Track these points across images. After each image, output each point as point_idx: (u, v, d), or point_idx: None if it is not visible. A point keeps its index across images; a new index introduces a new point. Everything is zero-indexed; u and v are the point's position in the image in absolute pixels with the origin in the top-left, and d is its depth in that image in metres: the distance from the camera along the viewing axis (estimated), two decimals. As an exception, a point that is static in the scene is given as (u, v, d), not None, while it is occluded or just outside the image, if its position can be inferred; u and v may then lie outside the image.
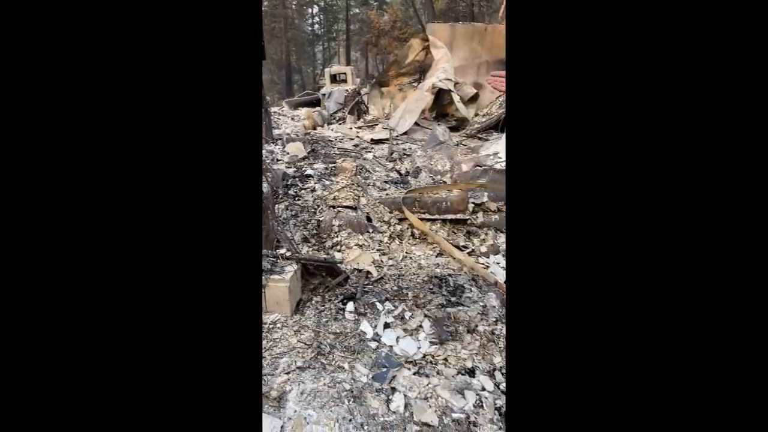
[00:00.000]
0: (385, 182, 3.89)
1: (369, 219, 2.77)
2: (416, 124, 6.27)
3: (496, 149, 3.75)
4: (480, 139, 5.28)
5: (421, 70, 7.61)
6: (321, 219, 2.64)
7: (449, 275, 2.32)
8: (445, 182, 3.66)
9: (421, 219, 2.73)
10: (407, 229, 2.76)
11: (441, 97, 6.88)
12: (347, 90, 7.51)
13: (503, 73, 6.20)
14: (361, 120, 7.00)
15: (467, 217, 2.74)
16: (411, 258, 2.52)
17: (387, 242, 2.64)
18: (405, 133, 6.03)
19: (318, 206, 2.83)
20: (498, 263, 2.44)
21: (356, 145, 5.57)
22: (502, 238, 2.68)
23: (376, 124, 6.64)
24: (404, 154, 4.73)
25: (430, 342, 1.87)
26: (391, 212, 2.81)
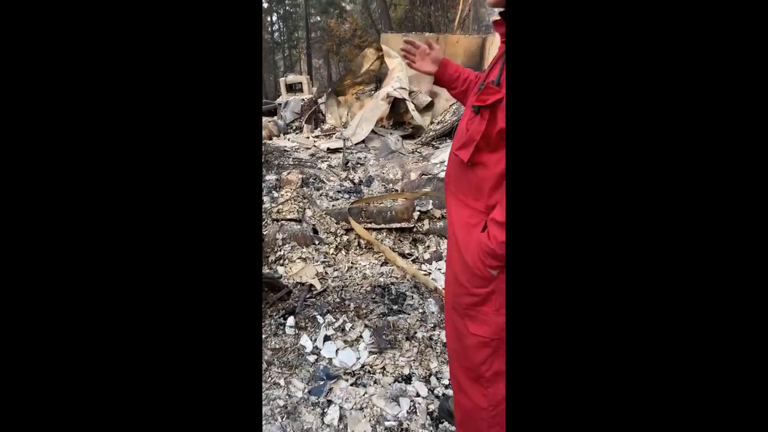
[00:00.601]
0: (338, 192, 3.91)
1: (315, 231, 2.78)
2: (373, 132, 6.35)
3: (443, 157, 3.87)
4: (434, 146, 5.42)
5: (378, 78, 7.73)
6: (264, 233, 2.62)
7: (392, 284, 2.37)
8: (396, 190, 3.73)
9: (367, 229, 2.77)
10: (354, 239, 2.79)
11: (397, 105, 7.01)
12: (303, 99, 7.49)
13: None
14: (319, 129, 7.00)
15: (412, 226, 2.80)
16: (356, 268, 2.55)
17: (333, 254, 2.66)
18: (362, 142, 6.09)
19: (262, 220, 2.81)
20: (440, 269, 2.52)
21: (313, 155, 5.56)
22: (444, 245, 2.76)
23: (334, 133, 6.66)
24: (358, 162, 4.77)
25: (370, 352, 1.90)
26: (338, 223, 2.84)
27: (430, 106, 7.10)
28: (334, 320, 2.10)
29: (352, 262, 2.61)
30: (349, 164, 4.73)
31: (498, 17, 1.00)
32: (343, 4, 18.30)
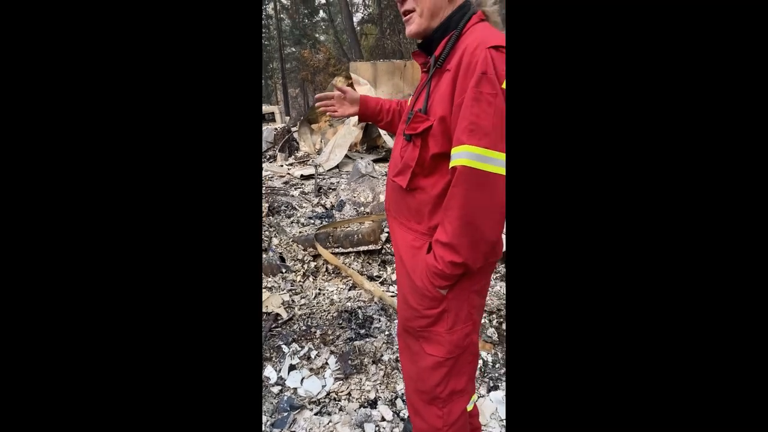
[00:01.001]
0: (310, 218, 3.93)
1: (282, 259, 2.78)
2: (347, 157, 6.44)
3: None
4: (404, 168, 5.53)
5: (350, 105, 7.88)
6: (230, 264, 2.61)
7: (359, 307, 2.37)
8: (368, 213, 3.77)
9: (335, 253, 2.79)
10: (322, 265, 2.79)
11: (370, 130, 7.17)
12: (276, 129, 7.58)
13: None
14: (293, 157, 7.06)
15: (380, 247, 2.83)
16: (324, 294, 2.55)
17: (300, 281, 2.66)
18: (336, 167, 6.16)
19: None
20: (407, 290, 2.53)
21: (286, 182, 5.59)
22: (413, 265, 2.79)
23: (307, 160, 6.73)
24: (330, 188, 4.82)
25: (335, 378, 1.88)
26: (305, 250, 2.84)
27: (401, 130, 7.27)
28: (299, 348, 2.08)
29: (319, 289, 2.60)
30: (321, 190, 4.77)
31: (417, 48, 1.07)
32: (317, 35, 18.84)
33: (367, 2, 16.71)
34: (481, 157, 0.86)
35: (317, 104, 1.36)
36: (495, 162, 0.87)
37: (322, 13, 17.73)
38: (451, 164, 0.90)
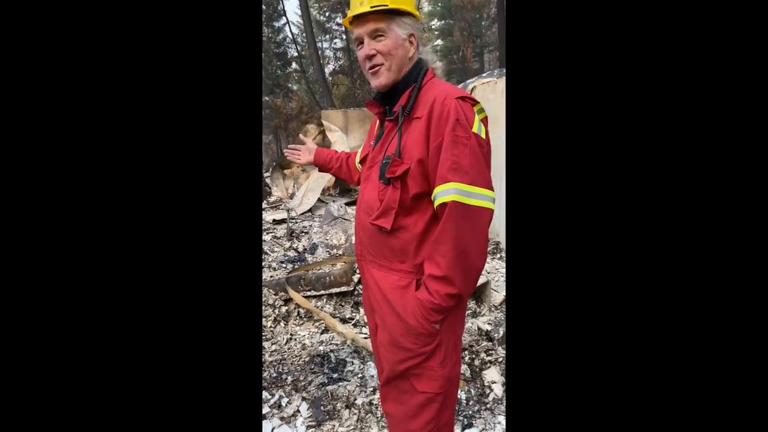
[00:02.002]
0: (282, 262, 3.90)
1: (253, 304, 2.73)
2: (320, 200, 6.52)
3: (383, 220, 4.06)
4: (376, 210, 5.65)
5: (322, 150, 8.10)
6: (198, 312, 2.54)
7: (332, 351, 2.34)
8: (340, 255, 3.79)
9: (307, 297, 2.77)
10: (294, 309, 2.76)
11: (342, 174, 7.30)
12: (249, 174, 7.62)
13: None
14: (265, 201, 7.07)
15: (352, 289, 2.84)
16: (296, 339, 2.51)
17: (271, 327, 2.61)
18: (309, 211, 6.20)
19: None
20: (380, 330, 2.53)
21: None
22: (386, 305, 2.81)
23: (280, 205, 6.75)
24: (302, 231, 4.84)
25: (307, 426, 1.82)
26: (276, 294, 2.82)
27: (373, 173, 7.49)
28: (269, 396, 2.01)
29: (291, 334, 2.56)
30: (294, 234, 4.78)
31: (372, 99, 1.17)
32: (289, 85, 19.55)
33: (338, 55, 17.69)
34: (466, 192, 0.96)
35: (285, 152, 1.54)
36: (478, 196, 0.97)
37: (294, 65, 18.54)
38: (440, 201, 0.98)
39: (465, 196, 0.96)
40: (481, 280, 2.78)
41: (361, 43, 1.07)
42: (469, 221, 0.97)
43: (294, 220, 5.48)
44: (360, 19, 1.04)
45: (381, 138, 1.16)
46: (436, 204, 1.00)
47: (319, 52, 16.16)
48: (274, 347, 2.41)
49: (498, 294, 2.78)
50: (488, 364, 2.20)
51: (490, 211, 1.00)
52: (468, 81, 4.93)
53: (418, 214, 1.05)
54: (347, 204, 6.15)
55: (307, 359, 2.28)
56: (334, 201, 5.98)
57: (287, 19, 16.86)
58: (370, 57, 1.06)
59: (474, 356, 2.25)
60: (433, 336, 1.04)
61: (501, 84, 3.80)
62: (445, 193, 0.97)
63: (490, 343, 2.36)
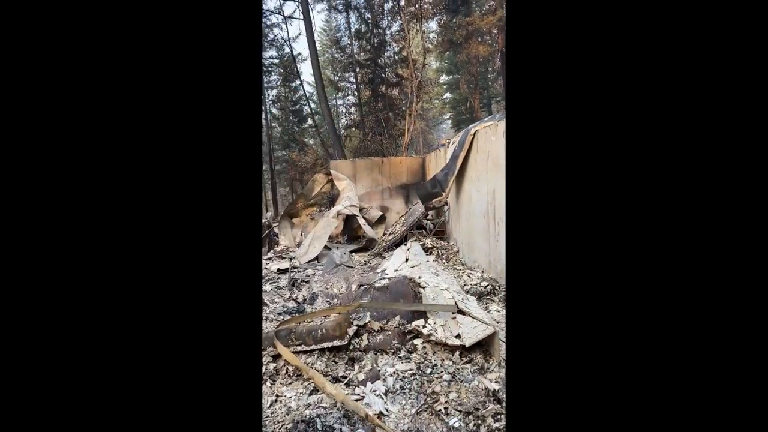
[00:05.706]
0: (280, 313, 3.70)
1: (238, 361, 2.51)
2: (326, 248, 6.41)
3: (386, 265, 3.86)
4: (382, 257, 5.47)
5: (331, 199, 8.17)
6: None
7: (318, 416, 2.07)
8: (339, 304, 3.57)
9: (297, 352, 2.54)
10: (282, 366, 2.53)
11: (350, 221, 7.29)
12: (257, 224, 7.66)
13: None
14: (272, 251, 7.01)
15: (347, 343, 2.60)
16: (281, 401, 2.25)
17: (255, 386, 2.36)
18: (315, 259, 6.08)
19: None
20: (374, 391, 2.26)
21: (262, 277, 5.42)
22: (384, 361, 2.55)
23: (287, 255, 6.67)
24: (303, 280, 4.67)
25: None
26: (264, 349, 2.60)
27: (381, 220, 7.44)
28: (240, 474, 1.74)
29: (277, 395, 2.31)
30: (295, 284, 4.61)
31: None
32: (305, 140, 20.40)
33: (350, 110, 18.54)
34: None
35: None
36: None
37: (309, 121, 19.47)
38: None
39: None
40: (488, 331, 2.50)
41: None
42: None
43: (297, 269, 5.33)
44: None
45: None
46: None
47: (333, 109, 16.98)
48: (254, 411, 2.16)
49: (508, 347, 2.48)
50: (497, 433, 1.89)
51: None
52: (470, 126, 4.97)
53: None
54: (352, 252, 6.01)
55: (290, 426, 2.01)
56: (337, 248, 5.86)
57: (301, 80, 18.02)
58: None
59: (479, 422, 1.94)
60: None
61: (501, 126, 3.78)
62: None
63: (499, 406, 2.05)
